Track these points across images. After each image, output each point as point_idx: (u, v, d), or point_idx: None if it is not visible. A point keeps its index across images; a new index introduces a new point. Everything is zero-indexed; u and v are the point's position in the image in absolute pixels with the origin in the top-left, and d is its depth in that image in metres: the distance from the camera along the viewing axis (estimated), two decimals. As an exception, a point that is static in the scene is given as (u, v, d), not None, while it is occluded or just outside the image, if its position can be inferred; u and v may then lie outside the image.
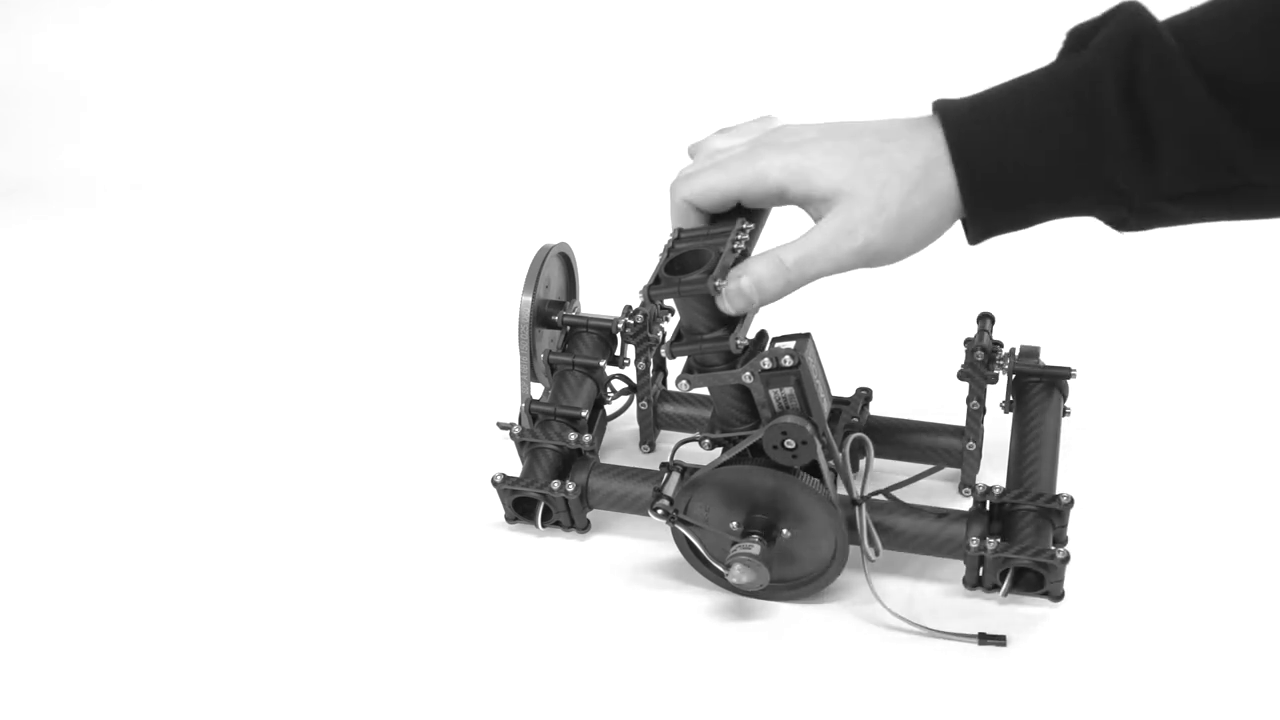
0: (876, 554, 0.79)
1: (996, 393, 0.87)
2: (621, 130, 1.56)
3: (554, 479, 0.86)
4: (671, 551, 0.84)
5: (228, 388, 1.14)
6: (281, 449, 1.05)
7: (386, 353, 1.18)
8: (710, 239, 0.72)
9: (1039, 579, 0.78)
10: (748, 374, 0.74)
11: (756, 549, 0.77)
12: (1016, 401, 0.89)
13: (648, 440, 0.95)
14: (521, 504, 0.89)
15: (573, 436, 0.88)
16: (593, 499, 0.87)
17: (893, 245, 0.67)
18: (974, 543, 0.77)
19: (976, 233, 0.68)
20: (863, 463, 0.80)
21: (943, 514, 0.81)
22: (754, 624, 0.82)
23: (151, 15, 1.82)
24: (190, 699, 0.77)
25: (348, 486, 0.99)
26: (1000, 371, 0.85)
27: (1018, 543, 0.77)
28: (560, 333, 0.96)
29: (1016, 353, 0.90)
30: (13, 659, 0.81)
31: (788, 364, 0.73)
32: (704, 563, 0.82)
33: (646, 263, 0.75)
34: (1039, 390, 0.89)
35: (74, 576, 0.89)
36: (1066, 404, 0.90)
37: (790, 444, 0.75)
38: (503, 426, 0.92)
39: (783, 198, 0.69)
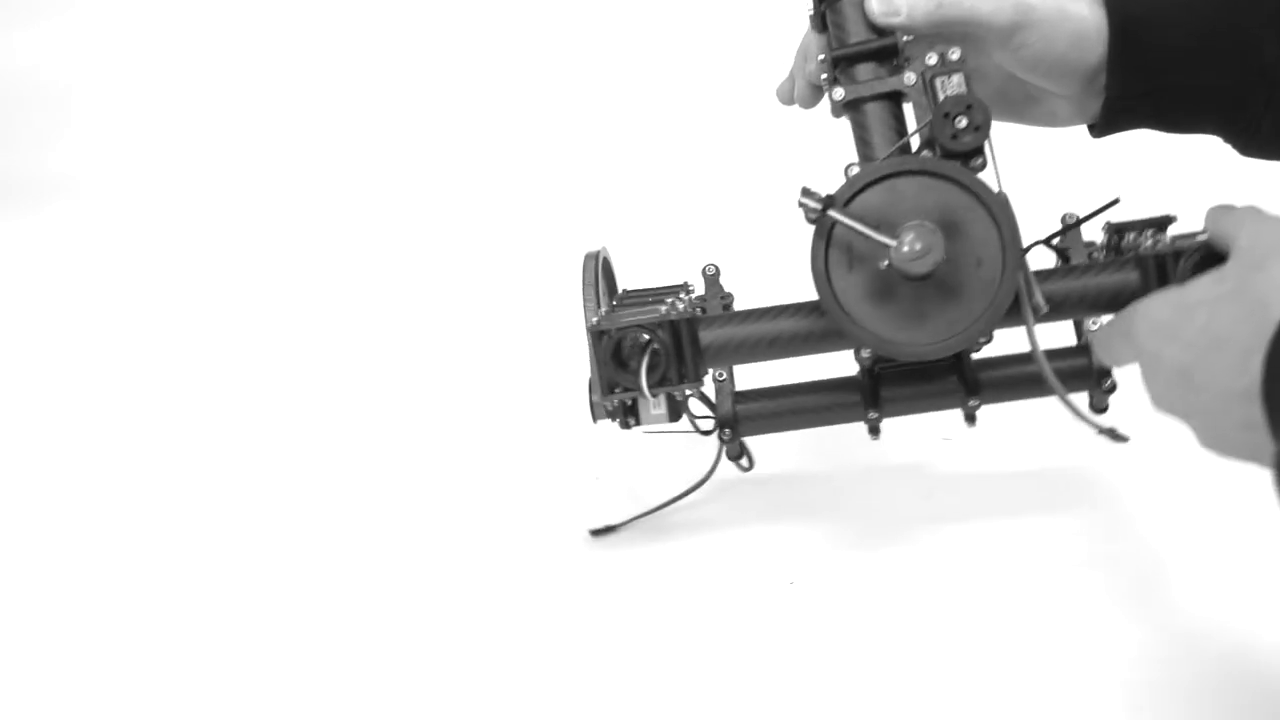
0: (1042, 309, 0.75)
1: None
2: (623, 129, 1.57)
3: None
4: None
5: (225, 387, 1.14)
6: (280, 448, 1.05)
7: (384, 352, 1.18)
8: None
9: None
10: (910, 74, 0.73)
11: (928, 223, 0.71)
12: None
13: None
14: (621, 366, 0.79)
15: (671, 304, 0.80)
16: (711, 353, 0.80)
17: (1047, 20, 0.72)
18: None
19: (1109, 102, 0.72)
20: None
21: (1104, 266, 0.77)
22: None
23: (138, 17, 1.82)
24: (198, 699, 0.77)
25: (346, 486, 0.99)
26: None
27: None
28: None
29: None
30: (13, 659, 0.81)
31: (955, 56, 0.73)
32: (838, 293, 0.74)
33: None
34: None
35: (71, 576, 0.89)
36: None
37: (963, 123, 0.72)
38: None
39: None
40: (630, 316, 0.80)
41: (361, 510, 0.95)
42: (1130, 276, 0.77)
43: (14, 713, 0.76)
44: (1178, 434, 0.92)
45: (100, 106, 1.92)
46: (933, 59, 0.73)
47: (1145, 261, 0.76)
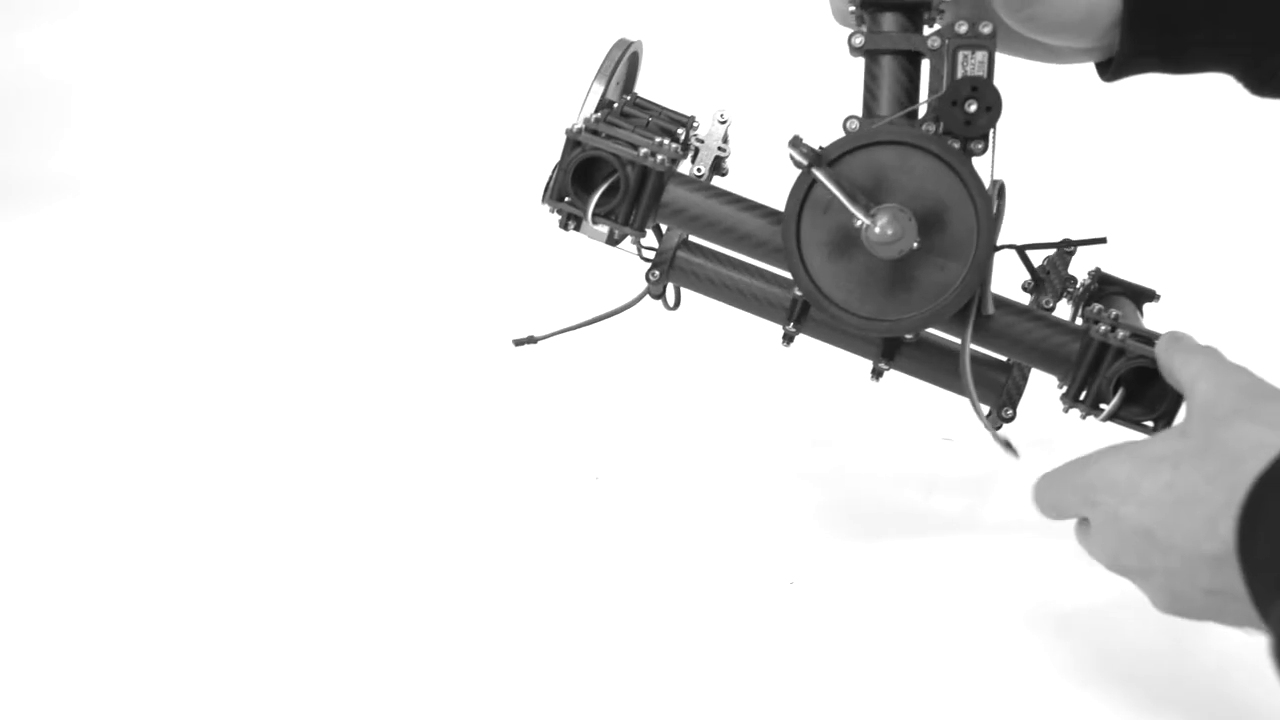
0: (989, 312, 0.75)
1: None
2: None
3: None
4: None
5: (225, 384, 1.14)
6: (280, 444, 1.05)
7: (383, 350, 1.18)
8: None
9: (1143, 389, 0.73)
10: (934, 38, 0.71)
11: (909, 212, 0.70)
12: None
13: None
14: (579, 177, 0.78)
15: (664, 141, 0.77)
16: (668, 213, 0.78)
17: None
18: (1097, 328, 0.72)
19: (1121, 53, 0.70)
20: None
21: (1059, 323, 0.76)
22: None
23: (138, 17, 1.82)
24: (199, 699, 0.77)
25: (345, 485, 0.99)
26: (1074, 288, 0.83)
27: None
28: None
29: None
30: (13, 659, 0.81)
31: (986, 30, 0.70)
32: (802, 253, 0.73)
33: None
34: (1121, 298, 0.85)
35: (69, 575, 0.89)
36: None
37: (973, 107, 0.71)
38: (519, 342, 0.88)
39: None
40: (611, 144, 0.78)
41: (360, 509, 0.95)
42: (1071, 348, 0.76)
43: (14, 713, 0.76)
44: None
45: (100, 106, 1.92)
46: (963, 27, 0.71)
47: (1090, 343, 0.74)
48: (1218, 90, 0.79)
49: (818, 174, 0.72)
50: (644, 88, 0.91)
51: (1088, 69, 0.79)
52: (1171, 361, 0.68)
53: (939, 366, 0.83)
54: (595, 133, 0.78)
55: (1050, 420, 0.83)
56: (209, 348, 1.24)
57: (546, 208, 0.81)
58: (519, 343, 0.92)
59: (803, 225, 0.74)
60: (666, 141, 0.78)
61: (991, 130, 0.72)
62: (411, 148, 1.73)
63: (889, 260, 0.72)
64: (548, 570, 0.88)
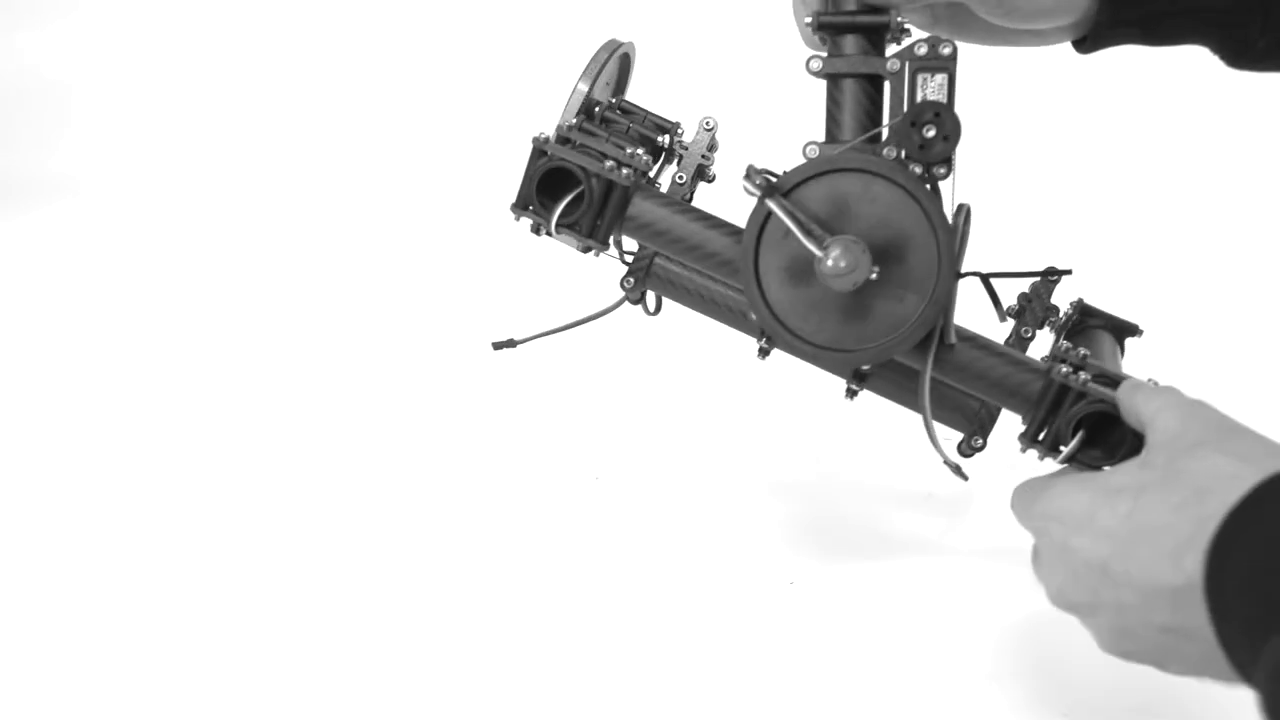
0: (951, 342, 0.73)
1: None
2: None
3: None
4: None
5: (225, 383, 1.14)
6: (279, 445, 1.05)
7: (382, 350, 1.18)
8: None
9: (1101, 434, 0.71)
10: (894, 61, 0.69)
11: (862, 244, 0.67)
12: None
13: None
14: (546, 191, 0.76)
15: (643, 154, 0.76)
16: (633, 226, 0.77)
17: None
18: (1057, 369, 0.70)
19: (1097, 26, 0.69)
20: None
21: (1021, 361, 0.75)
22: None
23: (138, 17, 1.82)
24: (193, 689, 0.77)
25: (344, 484, 0.99)
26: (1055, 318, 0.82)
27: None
28: None
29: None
30: (11, 659, 0.81)
31: (946, 51, 0.69)
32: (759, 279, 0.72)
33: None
34: (1101, 332, 0.83)
35: (68, 574, 0.89)
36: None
37: (931, 132, 0.69)
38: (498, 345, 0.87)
39: None
40: (577, 154, 0.76)
41: (359, 509, 0.95)
42: (1033, 387, 0.74)
43: (14, 713, 0.76)
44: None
45: (100, 106, 1.92)
46: (922, 49, 0.69)
47: (1050, 384, 0.71)
48: (1194, 70, 0.78)
49: (770, 205, 0.70)
50: (642, 90, 0.90)
51: (1064, 59, 0.78)
52: (1134, 401, 0.65)
53: (909, 389, 0.82)
54: (567, 140, 0.77)
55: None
56: (207, 347, 1.24)
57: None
58: (498, 346, 0.91)
59: (761, 250, 0.72)
60: (638, 152, 0.77)
61: (952, 155, 0.69)
62: (410, 148, 1.73)
63: (844, 291, 0.70)
64: (548, 570, 0.88)
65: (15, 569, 0.90)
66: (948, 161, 0.70)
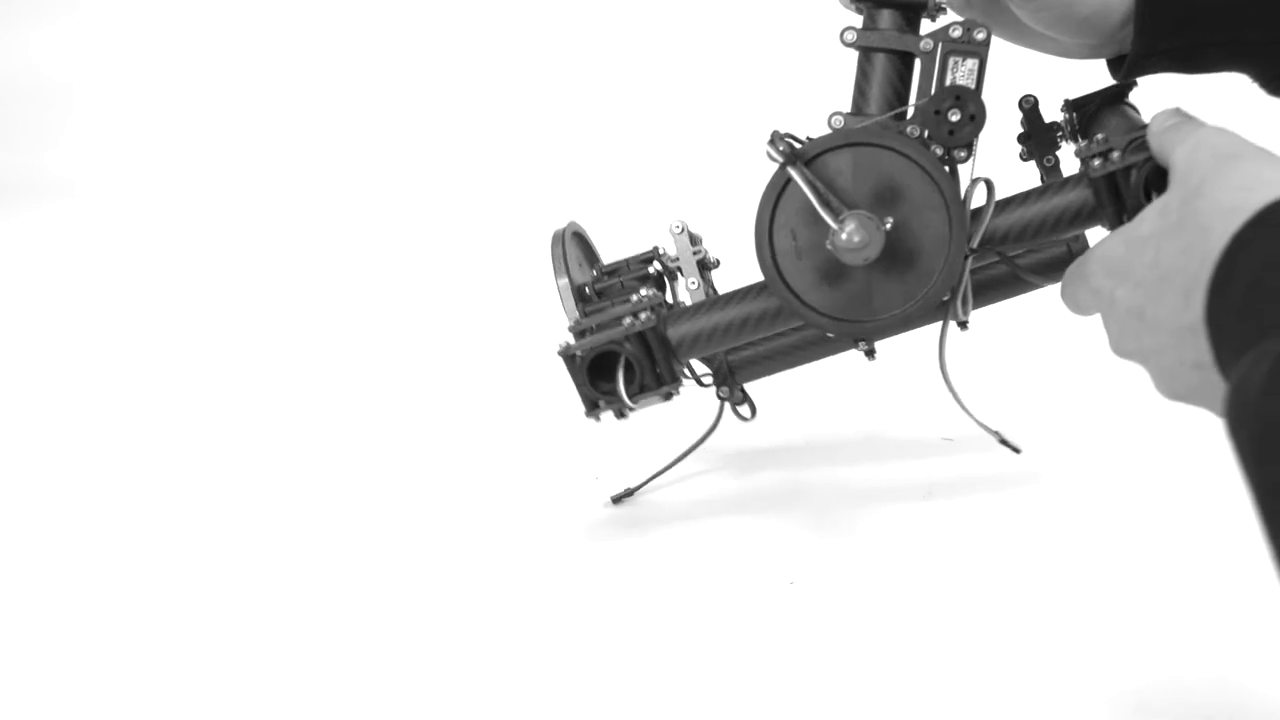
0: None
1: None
2: (613, 126, 1.56)
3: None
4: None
5: (223, 384, 1.14)
6: (278, 446, 1.05)
7: (381, 350, 1.18)
8: None
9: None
10: (927, 40, 0.70)
11: (877, 220, 0.69)
12: None
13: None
14: (600, 376, 0.80)
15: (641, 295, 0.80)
16: (685, 349, 0.80)
17: None
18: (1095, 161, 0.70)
19: (1134, 54, 0.70)
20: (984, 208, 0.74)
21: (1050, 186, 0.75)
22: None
23: (138, 17, 1.82)
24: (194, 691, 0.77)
25: (344, 485, 0.99)
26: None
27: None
28: None
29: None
30: (11, 658, 0.81)
31: (980, 36, 0.69)
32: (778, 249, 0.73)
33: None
34: (1103, 111, 0.81)
35: (67, 574, 0.89)
36: None
37: (955, 116, 0.70)
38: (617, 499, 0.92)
39: None
40: (599, 334, 0.80)
41: (360, 509, 0.95)
42: (1085, 194, 0.74)
43: (14, 713, 0.76)
44: (1177, 439, 0.93)
45: (99, 106, 1.92)
46: (957, 31, 0.70)
47: (1097, 183, 0.72)
48: (1230, 90, 0.78)
49: (792, 172, 0.71)
50: (643, 146, 0.90)
51: (1099, 75, 0.79)
52: (1160, 144, 0.67)
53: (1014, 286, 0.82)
54: (583, 333, 0.80)
55: (1041, 455, 0.82)
56: (206, 347, 1.24)
57: (593, 420, 0.83)
58: (618, 499, 0.95)
59: (777, 220, 0.73)
60: (644, 294, 0.80)
61: (975, 139, 0.71)
62: (410, 148, 1.73)
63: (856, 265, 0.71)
64: (547, 569, 0.88)
65: (9, 569, 0.90)
66: (969, 146, 0.71)
